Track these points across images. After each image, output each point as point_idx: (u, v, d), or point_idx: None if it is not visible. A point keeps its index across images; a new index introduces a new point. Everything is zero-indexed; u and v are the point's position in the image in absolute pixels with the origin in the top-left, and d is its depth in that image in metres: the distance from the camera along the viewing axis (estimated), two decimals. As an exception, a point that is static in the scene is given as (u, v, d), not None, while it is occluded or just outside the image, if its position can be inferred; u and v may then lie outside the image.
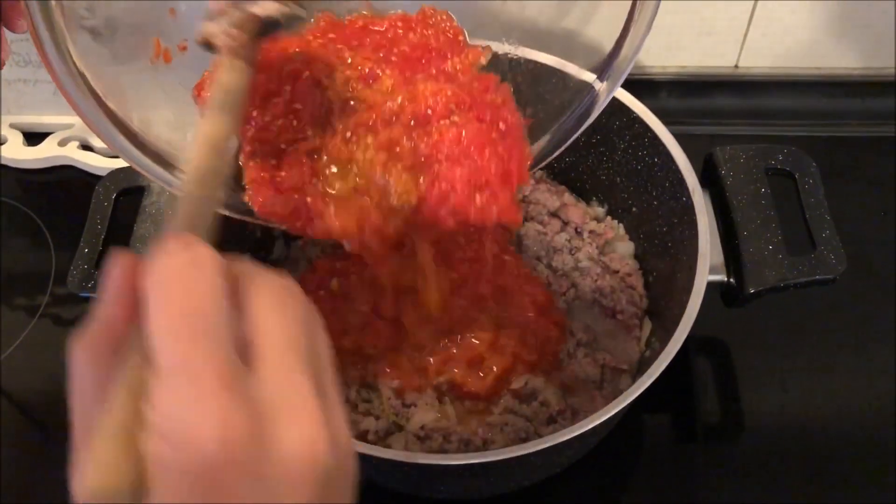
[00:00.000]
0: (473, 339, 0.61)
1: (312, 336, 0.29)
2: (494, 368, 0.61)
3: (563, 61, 0.51)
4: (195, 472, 0.23)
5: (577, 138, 0.68)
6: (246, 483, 0.24)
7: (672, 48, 0.86)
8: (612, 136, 0.67)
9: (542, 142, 0.51)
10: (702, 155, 0.63)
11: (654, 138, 0.62)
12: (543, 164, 0.51)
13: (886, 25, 0.83)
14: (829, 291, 0.68)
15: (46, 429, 0.67)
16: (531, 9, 0.50)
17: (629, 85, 0.65)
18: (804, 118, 0.86)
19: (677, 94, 0.88)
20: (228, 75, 0.35)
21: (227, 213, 0.46)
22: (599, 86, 0.48)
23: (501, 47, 0.51)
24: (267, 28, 0.37)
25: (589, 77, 0.49)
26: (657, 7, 0.43)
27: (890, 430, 0.64)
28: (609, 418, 0.49)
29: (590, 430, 0.48)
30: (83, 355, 0.27)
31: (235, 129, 0.32)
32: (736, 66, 0.88)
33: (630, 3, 0.44)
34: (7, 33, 0.45)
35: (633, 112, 0.64)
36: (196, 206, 0.30)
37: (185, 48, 0.47)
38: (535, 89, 0.51)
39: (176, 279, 0.26)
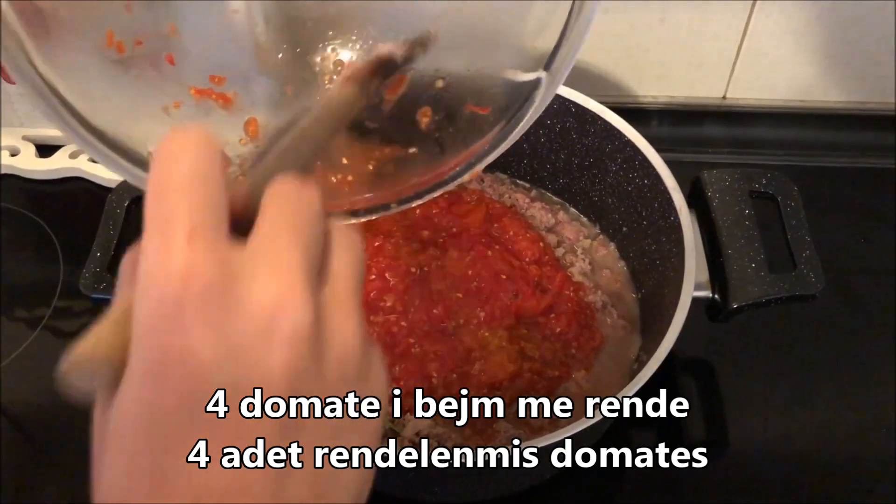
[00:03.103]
0: (497, 365, 0.62)
1: (328, 239, 0.29)
2: (506, 398, 0.61)
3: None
4: (157, 311, 0.24)
5: (571, 160, 0.73)
6: (206, 327, 0.24)
7: (663, 79, 0.90)
8: (605, 160, 0.70)
9: (484, 143, 0.47)
10: (689, 181, 0.66)
11: (644, 161, 0.65)
12: (483, 164, 0.47)
13: (868, 62, 0.87)
14: (812, 317, 0.72)
15: (41, 442, 0.66)
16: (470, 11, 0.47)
17: (622, 112, 0.69)
18: (788, 148, 0.89)
19: (667, 122, 0.92)
20: (340, 92, 0.38)
21: None
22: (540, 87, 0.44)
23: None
24: (386, 68, 0.40)
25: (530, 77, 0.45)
26: (596, 6, 0.41)
27: (874, 452, 0.66)
28: (593, 426, 0.51)
29: (574, 434, 0.50)
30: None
31: (326, 141, 0.35)
32: (724, 98, 0.92)
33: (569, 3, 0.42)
34: None
35: (625, 136, 0.67)
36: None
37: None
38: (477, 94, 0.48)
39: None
